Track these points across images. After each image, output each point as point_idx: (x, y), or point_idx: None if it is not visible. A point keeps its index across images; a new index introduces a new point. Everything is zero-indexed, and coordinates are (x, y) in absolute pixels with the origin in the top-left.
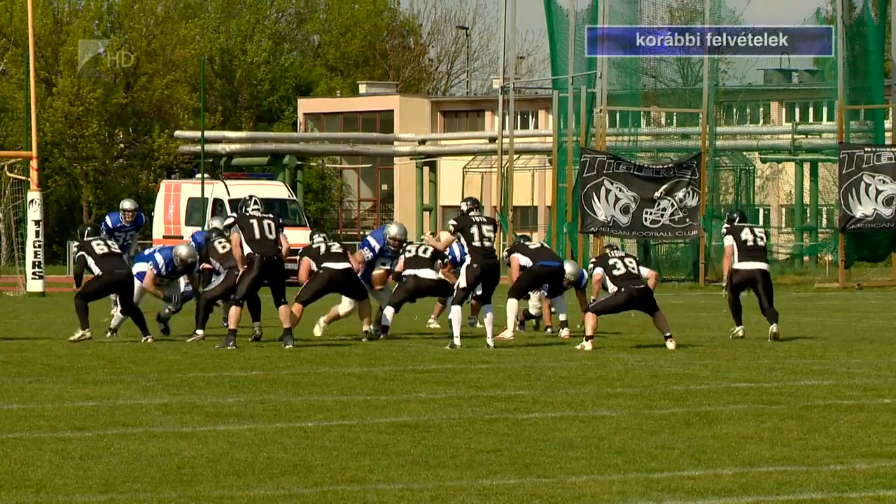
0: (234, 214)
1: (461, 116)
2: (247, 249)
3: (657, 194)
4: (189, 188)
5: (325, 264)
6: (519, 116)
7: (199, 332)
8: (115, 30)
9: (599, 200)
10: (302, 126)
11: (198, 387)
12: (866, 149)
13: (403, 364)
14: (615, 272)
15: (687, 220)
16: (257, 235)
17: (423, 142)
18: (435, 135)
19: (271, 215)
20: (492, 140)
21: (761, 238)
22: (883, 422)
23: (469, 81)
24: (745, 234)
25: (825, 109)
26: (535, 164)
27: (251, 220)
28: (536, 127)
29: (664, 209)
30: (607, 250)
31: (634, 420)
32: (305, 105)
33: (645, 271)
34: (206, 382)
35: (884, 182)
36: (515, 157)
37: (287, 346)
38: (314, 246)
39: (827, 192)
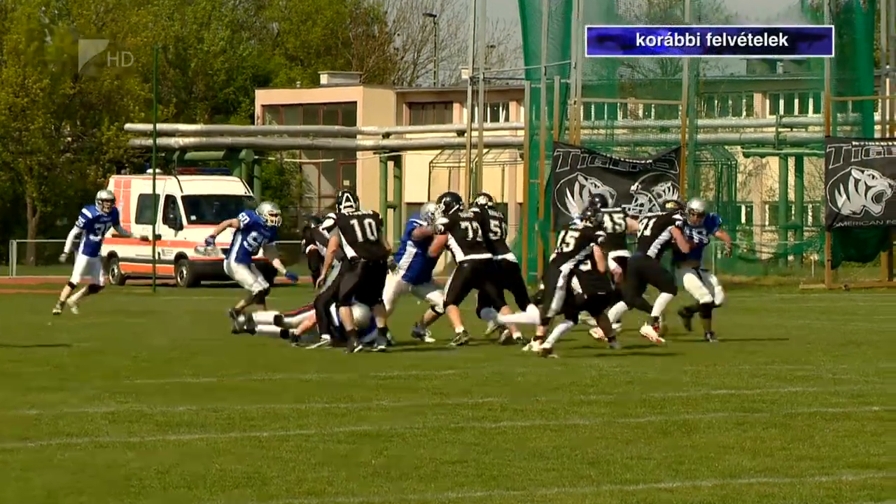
0: (334, 216)
1: (428, 108)
2: (350, 252)
3: (633, 189)
4: (140, 184)
5: (469, 256)
6: (489, 108)
7: (325, 336)
8: (63, 17)
9: (573, 197)
10: (260, 119)
11: (147, 394)
12: (854, 142)
13: (364, 370)
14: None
15: None
16: (360, 238)
17: (387, 135)
18: (400, 128)
19: (371, 212)
20: (460, 133)
21: (619, 224)
22: (871, 430)
23: (436, 72)
24: (605, 221)
25: (811, 101)
26: (506, 158)
27: (352, 221)
28: (507, 119)
29: (642, 205)
30: (596, 200)
31: (609, 429)
32: (263, 96)
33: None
34: (156, 389)
35: (873, 177)
36: (485, 151)
37: (380, 347)
38: (463, 226)
39: (812, 188)
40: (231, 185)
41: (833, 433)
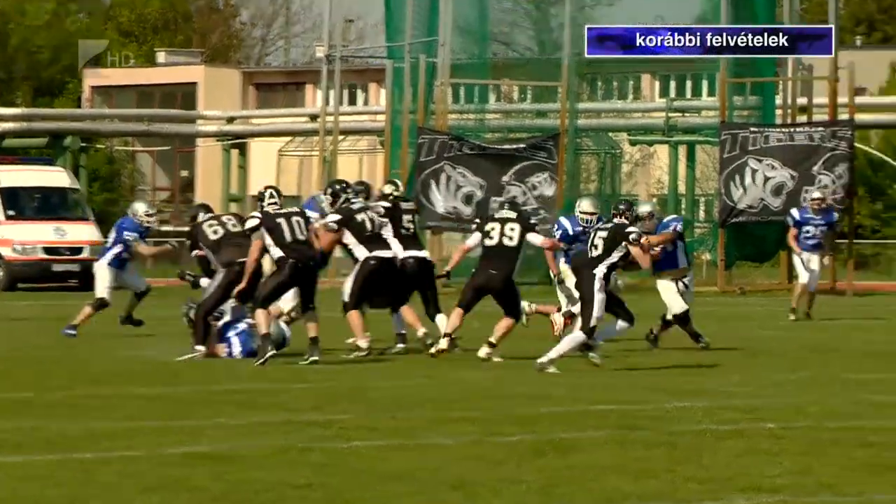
0: (259, 214)
1: (277, 90)
2: (277, 253)
3: (505, 179)
4: None
5: (374, 252)
6: (346, 91)
7: (199, 347)
8: None
9: (439, 189)
10: (88, 102)
11: None
12: (752, 129)
13: (203, 383)
14: (487, 241)
15: (541, 211)
16: (288, 238)
17: (231, 120)
18: (246, 112)
19: (297, 209)
20: (313, 118)
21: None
22: (765, 449)
23: (288, 49)
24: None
25: (705, 83)
26: (364, 146)
27: (279, 220)
28: (366, 103)
29: (514, 197)
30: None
31: (475, 449)
32: (93, 77)
33: (538, 239)
34: None
35: (772, 167)
36: (341, 137)
37: (313, 358)
38: (359, 219)
39: (706, 179)
40: (54, 176)
41: (724, 452)
